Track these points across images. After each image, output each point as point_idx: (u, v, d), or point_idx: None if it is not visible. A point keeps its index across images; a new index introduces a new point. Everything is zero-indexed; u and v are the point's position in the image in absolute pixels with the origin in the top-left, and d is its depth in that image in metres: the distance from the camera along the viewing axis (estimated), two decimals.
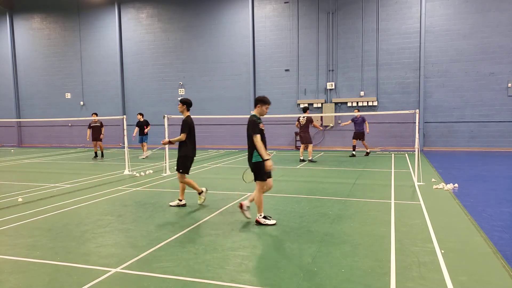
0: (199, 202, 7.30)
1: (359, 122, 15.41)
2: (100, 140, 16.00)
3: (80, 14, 23.44)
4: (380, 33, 18.24)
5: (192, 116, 7.39)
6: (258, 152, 5.66)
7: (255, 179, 5.86)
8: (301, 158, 14.12)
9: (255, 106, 5.97)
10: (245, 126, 5.93)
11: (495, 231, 5.41)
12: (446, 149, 17.60)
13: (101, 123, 16.06)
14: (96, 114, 15.91)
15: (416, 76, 17.84)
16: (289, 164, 13.14)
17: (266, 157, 5.60)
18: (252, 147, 5.76)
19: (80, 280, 3.95)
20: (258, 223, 5.87)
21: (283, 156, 15.57)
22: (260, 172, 5.74)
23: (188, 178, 7.29)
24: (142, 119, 16.26)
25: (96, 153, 16.27)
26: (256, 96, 5.99)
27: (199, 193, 7.34)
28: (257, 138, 5.63)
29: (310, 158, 13.84)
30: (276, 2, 19.81)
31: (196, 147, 7.28)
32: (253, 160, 5.77)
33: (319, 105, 19.25)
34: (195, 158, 7.31)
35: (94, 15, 23.17)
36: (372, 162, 13.65)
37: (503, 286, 3.72)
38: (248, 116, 5.98)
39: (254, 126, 5.71)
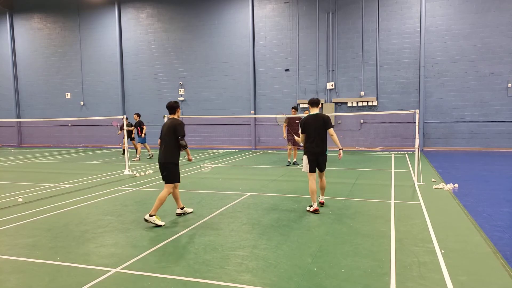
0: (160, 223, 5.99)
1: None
2: (133, 139, 16.62)
3: (80, 14, 23.44)
4: (380, 33, 18.24)
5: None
6: (336, 142, 6.70)
7: (324, 170, 6.78)
8: (289, 161, 13.21)
9: (318, 105, 6.86)
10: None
11: (495, 231, 5.41)
12: (446, 149, 17.60)
13: (131, 124, 16.62)
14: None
15: (416, 76, 17.84)
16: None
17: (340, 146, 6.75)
18: (325, 141, 6.68)
19: (80, 280, 3.96)
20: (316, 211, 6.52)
21: (283, 156, 15.55)
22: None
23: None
24: (138, 119, 16.03)
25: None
26: (316, 98, 6.91)
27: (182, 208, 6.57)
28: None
29: (294, 160, 13.19)
30: (276, 2, 19.81)
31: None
32: (326, 153, 6.77)
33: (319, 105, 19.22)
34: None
35: (94, 15, 23.17)
36: (372, 162, 13.65)
37: (503, 286, 3.72)
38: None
39: (331, 122, 6.72)
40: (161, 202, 6.03)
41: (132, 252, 4.77)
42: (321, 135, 6.61)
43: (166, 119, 11.50)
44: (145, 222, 5.99)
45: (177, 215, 6.53)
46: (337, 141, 6.69)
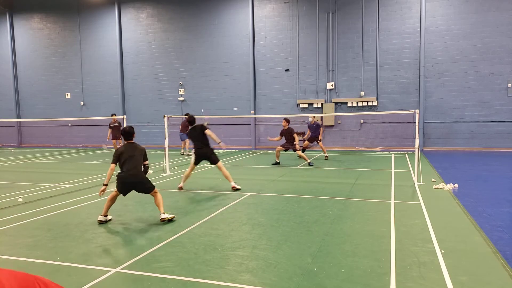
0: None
1: (315, 127, 14.42)
2: (120, 138, 16.73)
3: (80, 14, 23.44)
4: (380, 33, 18.24)
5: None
6: (215, 139, 8.98)
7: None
8: (277, 161, 13.24)
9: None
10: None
11: (495, 231, 5.41)
12: (446, 149, 17.60)
13: (119, 123, 16.78)
14: (115, 115, 16.73)
15: (416, 76, 17.84)
16: (289, 164, 13.12)
17: None
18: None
19: (80, 280, 3.95)
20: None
21: (283, 156, 15.54)
22: None
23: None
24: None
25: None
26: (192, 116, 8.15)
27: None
28: None
29: (310, 161, 13.20)
30: (276, 2, 19.80)
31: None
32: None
33: (319, 105, 19.24)
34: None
35: (94, 15, 23.17)
36: (372, 162, 13.64)
37: (503, 286, 3.72)
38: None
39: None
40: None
41: (132, 252, 4.77)
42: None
43: (165, 119, 11.55)
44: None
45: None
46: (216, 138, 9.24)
